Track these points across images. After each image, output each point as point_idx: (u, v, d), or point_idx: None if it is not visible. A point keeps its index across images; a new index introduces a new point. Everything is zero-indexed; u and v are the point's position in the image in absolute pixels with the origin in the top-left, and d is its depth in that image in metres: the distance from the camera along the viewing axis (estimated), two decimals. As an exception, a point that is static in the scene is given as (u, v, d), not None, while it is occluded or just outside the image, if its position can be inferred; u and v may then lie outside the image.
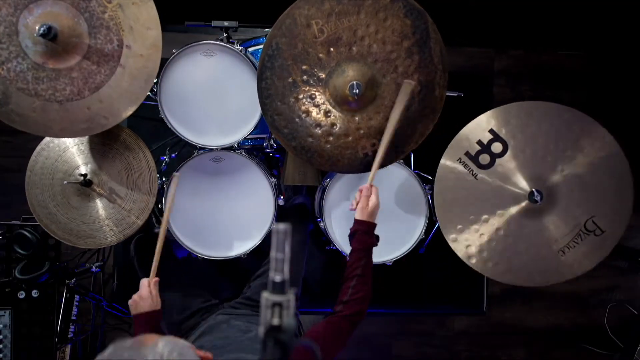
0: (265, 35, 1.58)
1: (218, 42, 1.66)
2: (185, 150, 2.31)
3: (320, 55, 1.41)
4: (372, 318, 2.52)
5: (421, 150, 1.67)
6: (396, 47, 1.40)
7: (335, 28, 1.38)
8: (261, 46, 1.78)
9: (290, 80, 1.43)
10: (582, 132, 1.55)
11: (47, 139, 1.70)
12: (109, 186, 1.68)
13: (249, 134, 1.71)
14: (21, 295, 1.90)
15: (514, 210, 1.59)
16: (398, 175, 1.81)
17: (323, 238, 2.05)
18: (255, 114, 1.68)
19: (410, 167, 1.87)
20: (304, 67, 1.42)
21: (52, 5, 1.37)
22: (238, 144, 1.73)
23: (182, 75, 1.67)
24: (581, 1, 2.49)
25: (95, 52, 1.41)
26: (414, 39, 1.39)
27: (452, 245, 1.62)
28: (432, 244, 2.09)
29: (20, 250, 1.86)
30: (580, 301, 2.61)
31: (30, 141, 1.69)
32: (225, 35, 1.76)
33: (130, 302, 1.35)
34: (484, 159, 1.59)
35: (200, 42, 1.64)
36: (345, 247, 1.81)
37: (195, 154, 1.74)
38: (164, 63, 1.62)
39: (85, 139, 1.69)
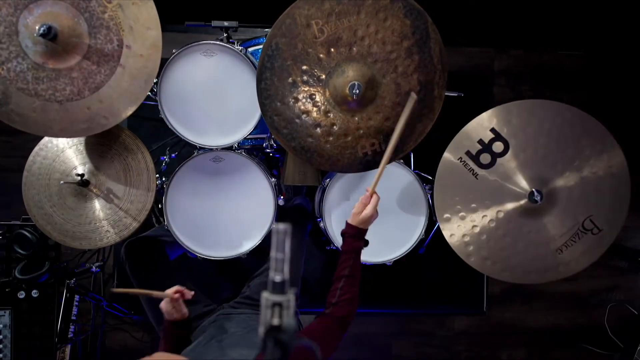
0: (265, 35, 1.58)
1: (218, 42, 1.66)
2: (185, 150, 2.31)
3: (320, 55, 1.41)
4: (372, 318, 2.52)
5: (421, 150, 1.67)
6: (396, 47, 1.40)
7: (335, 28, 1.38)
8: (261, 46, 1.78)
9: (290, 80, 1.43)
10: (583, 131, 1.55)
11: (45, 139, 1.69)
12: (106, 187, 1.67)
13: (249, 134, 1.71)
14: (21, 295, 1.90)
15: (513, 209, 1.59)
16: (398, 175, 1.81)
17: (323, 238, 2.05)
18: (255, 114, 1.68)
19: (410, 167, 1.87)
20: (304, 67, 1.42)
21: (52, 5, 1.37)
22: (238, 144, 1.73)
23: (182, 75, 1.67)
24: (581, 1, 2.49)
25: (95, 52, 1.41)
26: (414, 39, 1.39)
27: (452, 244, 1.62)
28: (432, 244, 2.09)
29: (20, 250, 1.86)
30: (580, 301, 2.61)
31: (30, 141, 1.69)
32: (225, 35, 1.76)
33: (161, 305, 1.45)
34: (485, 158, 1.59)
35: (200, 42, 1.65)
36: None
37: (195, 154, 1.74)
38: (164, 63, 1.62)
39: (83, 139, 1.69)
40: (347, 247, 1.36)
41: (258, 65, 1.43)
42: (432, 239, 2.06)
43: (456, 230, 1.62)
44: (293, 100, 1.45)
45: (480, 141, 1.59)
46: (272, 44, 1.40)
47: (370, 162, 1.53)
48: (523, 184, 1.58)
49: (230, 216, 1.79)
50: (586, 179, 1.57)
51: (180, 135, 1.71)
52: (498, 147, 1.58)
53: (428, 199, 1.79)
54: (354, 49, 1.40)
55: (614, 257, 2.59)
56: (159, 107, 1.67)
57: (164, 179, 1.84)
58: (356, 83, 1.38)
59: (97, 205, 1.68)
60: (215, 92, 1.69)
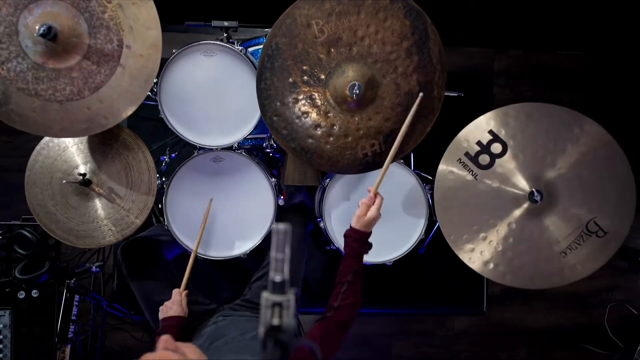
0: (265, 35, 1.58)
1: (218, 42, 1.66)
2: (185, 150, 2.31)
3: (321, 55, 1.41)
4: (372, 318, 2.52)
5: (421, 150, 1.67)
6: (396, 47, 1.40)
7: (335, 28, 1.38)
8: (261, 46, 1.78)
9: (290, 80, 1.43)
10: (582, 132, 1.55)
11: (46, 138, 1.70)
12: (108, 186, 1.68)
13: (249, 134, 1.71)
14: (21, 295, 1.90)
15: (514, 211, 1.59)
16: (398, 175, 1.81)
17: (323, 238, 2.05)
18: (255, 114, 1.68)
19: (410, 167, 1.87)
20: (304, 67, 1.42)
21: (52, 5, 1.37)
22: (238, 144, 1.73)
23: (182, 75, 1.67)
24: (581, 1, 2.49)
25: (95, 52, 1.41)
26: (413, 40, 1.39)
27: (452, 246, 1.62)
28: (432, 244, 2.09)
29: (20, 250, 1.86)
30: (580, 301, 2.61)
31: (30, 141, 1.69)
32: (225, 35, 1.76)
33: (161, 307, 1.51)
34: (484, 159, 1.59)
35: (200, 42, 1.65)
36: (345, 247, 1.80)
37: (195, 154, 1.74)
38: (164, 63, 1.62)
39: (84, 138, 1.69)
40: (350, 251, 1.35)
41: (258, 65, 1.43)
42: (432, 239, 2.07)
43: (457, 231, 1.62)
44: (293, 100, 1.45)
45: (479, 142, 1.59)
46: (272, 44, 1.40)
47: (370, 163, 1.53)
48: (523, 184, 1.58)
49: (230, 216, 1.79)
50: (586, 179, 1.56)
51: (180, 135, 1.71)
52: (496, 148, 1.58)
53: (428, 199, 1.79)
54: (354, 49, 1.40)
55: (614, 257, 2.58)
56: (159, 107, 1.67)
57: (164, 179, 1.84)
58: (356, 83, 1.38)
59: (99, 204, 1.68)
60: (215, 92, 1.69)
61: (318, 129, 1.48)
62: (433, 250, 2.16)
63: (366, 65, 1.41)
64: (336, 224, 1.83)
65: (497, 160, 1.59)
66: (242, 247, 1.79)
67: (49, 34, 1.33)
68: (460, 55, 2.63)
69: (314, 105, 1.45)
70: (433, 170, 1.63)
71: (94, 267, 2.14)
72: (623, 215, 1.55)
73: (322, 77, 1.43)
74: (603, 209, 1.56)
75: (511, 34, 2.63)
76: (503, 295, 2.58)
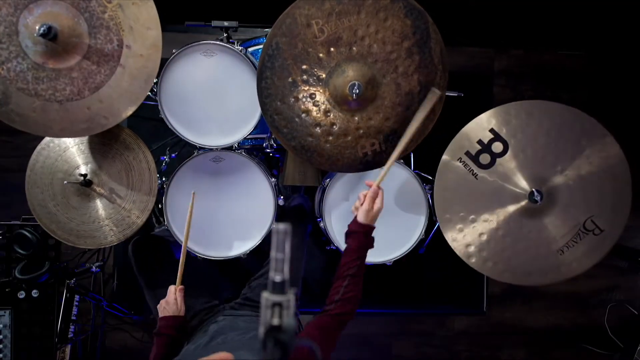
0: (265, 35, 1.58)
1: (218, 42, 1.66)
2: (185, 150, 2.31)
3: (321, 55, 1.41)
4: (372, 318, 2.52)
5: (421, 150, 1.67)
6: (396, 47, 1.40)
7: (335, 28, 1.38)
8: (261, 46, 1.78)
9: (290, 79, 1.43)
10: (583, 132, 1.55)
11: (47, 138, 1.70)
12: (109, 186, 1.68)
13: (249, 134, 1.71)
14: (21, 295, 1.90)
15: (513, 209, 1.59)
16: (398, 175, 1.81)
17: (323, 238, 2.05)
18: (255, 114, 1.68)
19: (410, 167, 1.87)
20: (304, 66, 1.42)
21: (52, 5, 1.37)
22: (238, 144, 1.73)
23: (182, 75, 1.67)
24: (581, 1, 2.49)
25: (95, 52, 1.41)
26: (414, 39, 1.39)
27: (452, 245, 1.62)
28: (432, 244, 2.09)
29: (20, 250, 1.85)
30: (580, 301, 2.61)
31: (30, 141, 1.69)
32: (225, 35, 1.76)
33: (158, 305, 1.50)
34: (485, 158, 1.59)
35: (200, 42, 1.64)
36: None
37: (195, 154, 1.74)
38: (164, 63, 1.62)
39: (85, 138, 1.69)
40: (355, 245, 1.35)
41: (258, 64, 1.43)
42: (432, 239, 2.06)
43: (457, 231, 1.62)
44: (293, 99, 1.45)
45: (480, 141, 1.59)
46: (272, 44, 1.40)
47: (370, 162, 1.53)
48: (523, 184, 1.58)
49: (231, 216, 1.79)
50: (586, 178, 1.56)
51: (180, 135, 1.71)
52: (497, 147, 1.58)
53: (428, 199, 1.79)
54: (354, 48, 1.40)
55: (614, 257, 2.59)
56: (159, 107, 1.67)
57: (164, 179, 1.84)
58: (356, 83, 1.38)
59: (100, 204, 1.68)
60: (215, 92, 1.69)
61: (318, 127, 1.48)
62: (433, 250, 2.16)
63: (366, 64, 1.41)
64: (336, 223, 1.83)
65: (498, 160, 1.59)
66: (242, 247, 1.79)
67: (49, 34, 1.33)
68: (461, 55, 2.63)
69: (314, 104, 1.45)
70: (433, 170, 1.63)
71: (94, 267, 2.14)
72: (619, 214, 1.56)
73: (322, 76, 1.42)
74: (600, 208, 1.57)
75: (512, 34, 2.63)
76: (503, 295, 2.58)
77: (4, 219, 1.99)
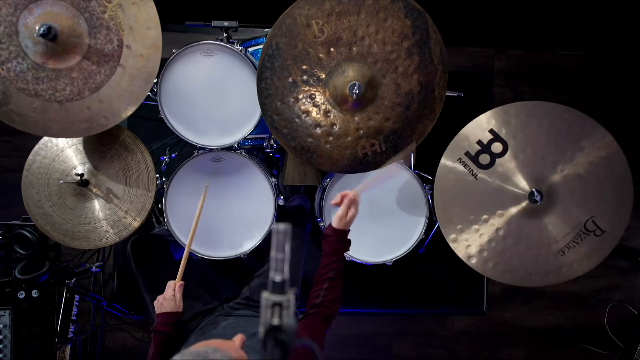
0: (265, 35, 1.58)
1: (218, 42, 1.66)
2: (185, 150, 2.31)
3: (321, 55, 1.41)
4: (372, 318, 2.52)
5: (421, 150, 1.67)
6: (396, 47, 1.40)
7: (335, 28, 1.38)
8: (261, 46, 1.78)
9: (290, 80, 1.43)
10: (582, 132, 1.55)
11: (45, 138, 1.69)
12: (106, 187, 1.67)
13: (249, 134, 1.71)
14: (21, 295, 1.90)
15: (514, 210, 1.59)
16: (398, 175, 1.80)
17: (323, 238, 2.05)
18: (255, 114, 1.68)
19: (410, 167, 1.87)
20: (304, 67, 1.42)
21: (52, 5, 1.37)
22: (238, 144, 1.73)
23: (182, 75, 1.67)
24: (581, 1, 2.49)
25: (95, 52, 1.41)
26: (414, 40, 1.39)
27: (452, 245, 1.62)
28: (432, 244, 2.09)
29: (20, 250, 1.85)
30: (580, 301, 2.61)
31: (30, 141, 1.69)
32: (225, 35, 1.76)
33: (155, 301, 1.47)
34: (484, 158, 1.59)
35: (200, 42, 1.64)
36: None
37: (195, 154, 1.74)
38: (164, 63, 1.62)
39: (83, 138, 1.69)
40: (331, 249, 1.36)
41: (258, 64, 1.43)
42: (432, 239, 2.06)
43: (457, 231, 1.62)
44: (293, 99, 1.45)
45: (479, 142, 1.59)
46: (272, 44, 1.40)
47: (370, 163, 1.53)
48: (523, 184, 1.58)
49: (230, 216, 1.79)
50: (586, 179, 1.56)
51: (180, 135, 1.71)
52: (497, 147, 1.58)
53: (428, 199, 1.79)
54: (354, 49, 1.40)
55: (614, 257, 2.59)
56: (159, 107, 1.67)
57: (164, 179, 1.84)
58: (356, 83, 1.38)
59: (97, 205, 1.68)
60: (215, 92, 1.69)
61: (318, 128, 1.48)
62: (433, 250, 2.16)
63: (366, 65, 1.41)
64: (336, 224, 1.83)
65: (498, 160, 1.59)
66: (242, 247, 1.79)
67: (49, 34, 1.33)
68: (461, 55, 2.63)
69: (314, 104, 1.45)
70: (433, 170, 1.63)
71: (94, 267, 2.14)
72: (620, 214, 1.56)
73: (322, 76, 1.42)
74: (601, 208, 1.56)
75: (511, 34, 2.63)
76: (503, 295, 2.58)
77: (4, 219, 1.99)
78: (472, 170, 1.60)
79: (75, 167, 1.68)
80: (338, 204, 1.38)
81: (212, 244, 1.79)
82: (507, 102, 1.59)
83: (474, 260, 1.61)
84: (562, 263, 1.59)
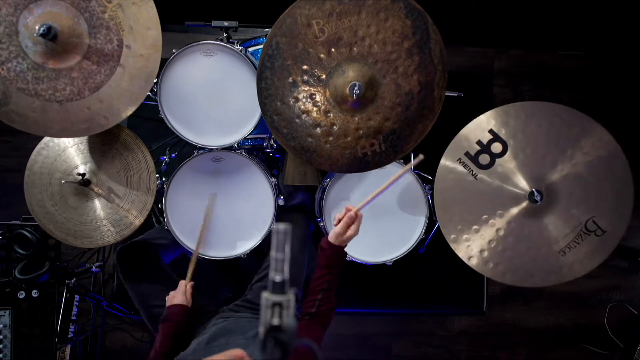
0: (265, 35, 1.58)
1: (218, 42, 1.66)
2: (185, 150, 2.31)
3: (321, 55, 1.41)
4: (372, 318, 2.52)
5: (421, 150, 1.67)
6: (396, 47, 1.40)
7: (336, 28, 1.38)
8: (261, 46, 1.78)
9: (290, 80, 1.43)
10: (582, 132, 1.55)
11: (46, 138, 1.70)
12: (107, 186, 1.68)
13: (249, 134, 1.71)
14: (21, 295, 1.90)
15: (514, 210, 1.59)
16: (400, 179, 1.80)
17: (323, 238, 2.05)
18: (255, 114, 1.68)
19: (410, 167, 1.86)
20: (304, 67, 1.42)
21: (52, 5, 1.37)
22: (238, 144, 1.73)
23: (182, 75, 1.67)
24: (581, 1, 2.49)
25: (95, 52, 1.41)
26: (414, 40, 1.39)
27: (452, 246, 1.62)
28: (432, 244, 2.09)
29: (20, 250, 1.85)
30: (580, 301, 2.61)
31: (30, 141, 1.69)
32: (225, 35, 1.76)
33: (167, 296, 1.54)
34: (484, 159, 1.59)
35: (200, 42, 1.64)
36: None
37: (195, 154, 1.74)
38: (164, 63, 1.62)
39: (84, 138, 1.69)
40: (325, 263, 1.36)
41: (258, 64, 1.43)
42: (432, 239, 2.06)
43: (457, 231, 1.62)
44: (293, 99, 1.45)
45: (479, 142, 1.59)
46: (272, 44, 1.40)
47: (370, 163, 1.53)
48: (523, 184, 1.58)
49: (230, 216, 1.79)
50: (586, 179, 1.56)
51: (180, 135, 1.71)
52: (497, 147, 1.58)
53: (428, 199, 1.79)
54: (355, 49, 1.40)
55: (614, 257, 2.59)
56: (159, 107, 1.67)
57: (164, 179, 1.84)
58: (356, 83, 1.38)
59: (99, 204, 1.68)
60: (215, 92, 1.69)
61: (318, 128, 1.48)
62: (433, 250, 2.16)
63: (366, 65, 1.41)
64: (336, 224, 1.83)
65: (497, 160, 1.59)
66: (242, 247, 1.79)
67: (49, 34, 1.33)
68: (461, 55, 2.63)
69: (314, 104, 1.45)
70: (433, 170, 1.63)
71: (94, 267, 2.14)
72: (621, 214, 1.56)
73: (323, 76, 1.42)
74: (602, 208, 1.56)
75: (511, 34, 2.63)
76: (503, 295, 2.58)
77: (4, 219, 1.99)
78: (472, 170, 1.60)
79: (76, 167, 1.68)
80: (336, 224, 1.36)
81: (212, 244, 1.79)
82: (507, 102, 1.59)
83: (474, 261, 1.61)
84: (562, 263, 1.59)
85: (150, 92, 1.52)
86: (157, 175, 1.72)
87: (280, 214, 1.81)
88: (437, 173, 1.61)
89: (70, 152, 1.69)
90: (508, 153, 1.58)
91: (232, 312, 1.66)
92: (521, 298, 2.59)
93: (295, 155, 1.53)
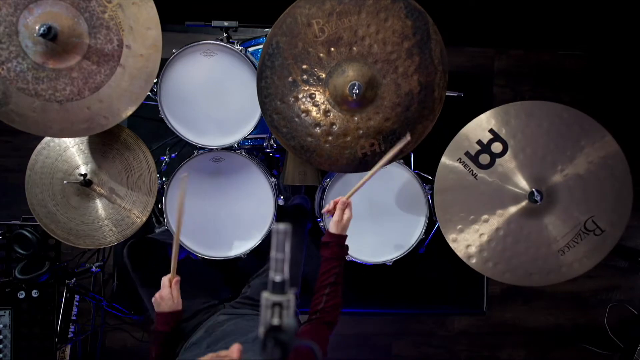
0: (265, 35, 1.58)
1: (218, 42, 1.66)
2: (185, 150, 2.31)
3: (321, 54, 1.41)
4: (372, 318, 2.52)
5: (421, 150, 1.67)
6: (396, 47, 1.40)
7: (336, 28, 1.38)
8: (261, 46, 1.78)
9: (290, 79, 1.43)
10: (582, 131, 1.55)
11: (47, 138, 1.70)
12: (108, 186, 1.68)
13: (249, 134, 1.71)
14: (21, 295, 1.90)
15: (513, 210, 1.59)
16: (398, 175, 1.81)
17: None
18: (255, 114, 1.68)
19: (410, 167, 1.87)
20: (304, 66, 1.42)
21: (52, 5, 1.37)
22: (238, 144, 1.73)
23: (182, 75, 1.67)
24: (581, 1, 2.49)
25: (95, 52, 1.41)
26: (415, 40, 1.39)
27: (452, 245, 1.62)
28: (432, 244, 2.09)
29: (20, 250, 1.85)
30: (580, 301, 2.61)
31: (30, 141, 1.69)
32: (225, 35, 1.76)
33: (152, 299, 1.38)
34: (484, 158, 1.59)
35: (200, 42, 1.65)
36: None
37: (195, 154, 1.74)
38: (164, 63, 1.62)
39: (85, 138, 1.69)
40: (331, 255, 1.38)
41: (259, 63, 1.43)
42: (432, 239, 2.06)
43: (457, 231, 1.62)
44: (293, 99, 1.45)
45: (479, 142, 1.59)
46: (272, 43, 1.40)
47: (370, 163, 1.53)
48: (523, 184, 1.58)
49: (231, 216, 1.79)
50: (586, 179, 1.56)
51: (180, 135, 1.71)
52: (497, 147, 1.58)
53: (428, 199, 1.79)
54: (355, 48, 1.40)
55: (614, 257, 2.59)
56: (159, 107, 1.67)
57: (164, 179, 1.84)
58: (356, 83, 1.38)
59: (100, 204, 1.68)
60: (215, 92, 1.69)
61: (318, 127, 1.48)
62: (433, 250, 2.16)
63: (366, 65, 1.41)
64: (336, 223, 1.83)
65: (498, 160, 1.59)
66: (242, 247, 1.79)
67: (49, 34, 1.33)
68: (461, 55, 2.63)
69: (314, 104, 1.45)
70: (433, 170, 1.63)
71: (94, 267, 2.14)
72: (620, 214, 1.56)
73: (322, 76, 1.43)
74: (601, 208, 1.56)
75: (511, 34, 2.63)
76: (503, 295, 2.58)
77: (4, 219, 1.99)
78: (472, 170, 1.60)
79: (78, 167, 1.68)
80: (331, 212, 1.41)
81: (212, 244, 1.79)
82: (507, 102, 1.59)
83: (474, 260, 1.61)
84: (562, 263, 1.59)
85: (150, 92, 1.52)
86: (157, 175, 1.72)
87: (278, 214, 1.81)
88: (437, 173, 1.61)
89: (72, 152, 1.69)
90: (508, 153, 1.58)
91: (233, 308, 1.66)
92: (521, 298, 2.59)
93: (295, 155, 1.53)
